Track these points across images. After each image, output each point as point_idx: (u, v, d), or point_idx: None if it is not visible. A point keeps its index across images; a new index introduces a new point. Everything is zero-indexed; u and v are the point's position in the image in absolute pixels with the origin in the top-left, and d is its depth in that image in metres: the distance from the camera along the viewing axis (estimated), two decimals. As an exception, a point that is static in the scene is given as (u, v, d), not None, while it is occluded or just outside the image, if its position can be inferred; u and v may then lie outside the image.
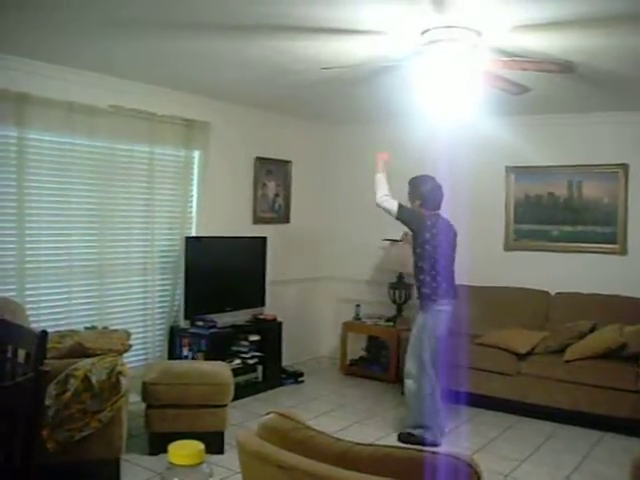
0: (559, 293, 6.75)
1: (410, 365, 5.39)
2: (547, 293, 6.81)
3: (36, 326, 4.78)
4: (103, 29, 4.24)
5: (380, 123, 7.73)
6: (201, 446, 1.49)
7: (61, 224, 5.48)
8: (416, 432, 5.35)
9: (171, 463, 1.43)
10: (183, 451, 1.44)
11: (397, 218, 5.31)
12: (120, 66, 5.33)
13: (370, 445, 2.07)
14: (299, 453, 2.03)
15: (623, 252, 6.63)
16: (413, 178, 5.47)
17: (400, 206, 5.27)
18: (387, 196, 5.30)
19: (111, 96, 5.66)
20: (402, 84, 5.06)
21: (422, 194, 5.36)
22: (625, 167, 6.59)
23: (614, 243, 6.68)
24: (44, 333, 2.63)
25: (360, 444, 2.08)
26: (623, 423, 5.60)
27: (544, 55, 4.40)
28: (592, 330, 6.11)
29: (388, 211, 5.28)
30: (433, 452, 2.02)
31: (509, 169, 7.18)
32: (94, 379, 4.09)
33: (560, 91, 5.69)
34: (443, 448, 5.16)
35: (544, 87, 5.36)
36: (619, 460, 4.82)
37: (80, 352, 4.35)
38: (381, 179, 5.38)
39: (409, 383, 5.41)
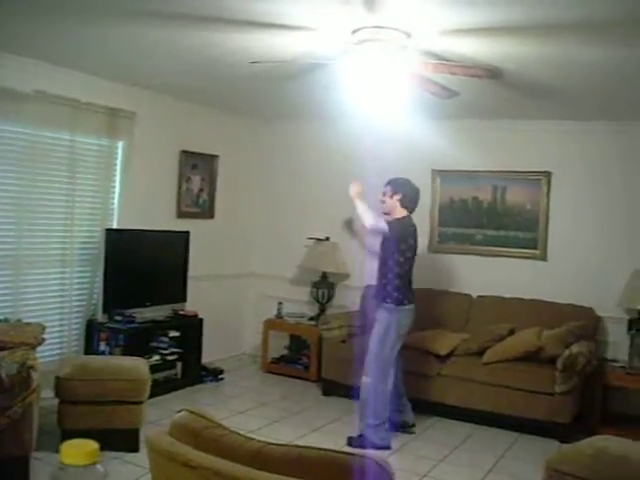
0: (481, 296, 6.85)
1: (371, 364, 5.34)
2: (469, 296, 6.90)
3: (-56, 317, 4.60)
4: (29, 11, 4.09)
5: (309, 121, 7.72)
6: (95, 445, 1.41)
7: (-25, 211, 5.28)
8: (364, 431, 5.32)
9: (63, 463, 1.36)
10: (75, 450, 1.37)
11: (388, 236, 5.35)
12: (46, 50, 5.16)
13: (283, 445, 2.03)
14: (210, 452, 1.98)
15: (543, 258, 6.76)
16: (397, 179, 5.51)
17: (389, 223, 5.34)
18: (374, 220, 5.36)
19: (36, 81, 5.48)
20: (332, 83, 5.04)
21: (405, 193, 5.44)
22: (548, 175, 6.72)
23: (535, 249, 6.81)
24: (-53, 324, 2.52)
25: (273, 444, 2.05)
26: (539, 425, 5.71)
27: (473, 60, 4.43)
28: (511, 333, 6.22)
29: (381, 232, 5.35)
30: (347, 453, 1.99)
31: (435, 172, 7.24)
32: (3, 373, 3.94)
33: (488, 97, 5.76)
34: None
35: (472, 92, 5.41)
36: (534, 460, 4.88)
37: (-11, 345, 4.21)
38: (363, 208, 5.42)
39: (368, 382, 5.33)
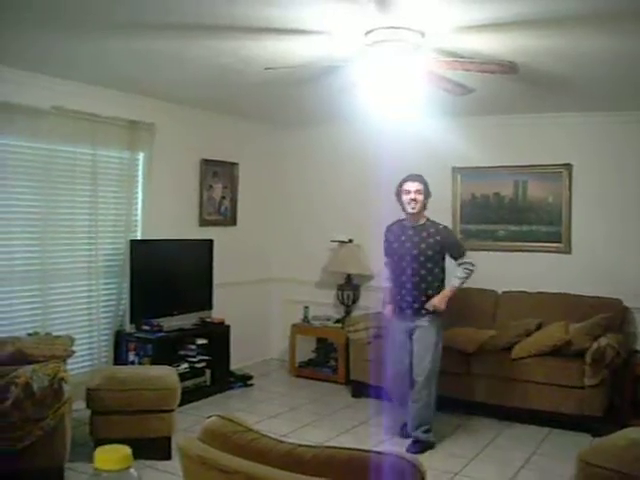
0: (506, 292, 6.81)
1: (429, 372, 5.28)
2: (494, 292, 6.87)
3: (-25, 333, 4.67)
4: (43, 27, 4.14)
5: (326, 125, 7.72)
6: (128, 450, 1.43)
7: (1, 227, 5.33)
8: (423, 437, 5.30)
9: (96, 469, 1.38)
10: (108, 456, 1.39)
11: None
12: (61, 66, 5.21)
13: (314, 447, 2.04)
14: (242, 456, 2.00)
15: (567, 251, 6.72)
16: (425, 181, 5.38)
17: (442, 232, 5.36)
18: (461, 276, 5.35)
19: (53, 97, 5.53)
20: (347, 85, 5.04)
21: (429, 198, 5.41)
22: (569, 167, 6.68)
23: (559, 242, 6.77)
24: (-21, 339, 2.56)
25: (303, 446, 2.06)
26: (570, 419, 5.68)
27: (487, 56, 4.43)
28: (538, 328, 6.18)
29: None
30: (377, 452, 2.00)
31: (456, 170, 7.22)
32: (35, 386, 4.00)
33: (503, 92, 5.73)
34: (390, 448, 5.16)
35: (488, 88, 5.40)
36: (566, 455, 4.85)
37: (21, 359, 4.26)
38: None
39: (426, 391, 5.29)
